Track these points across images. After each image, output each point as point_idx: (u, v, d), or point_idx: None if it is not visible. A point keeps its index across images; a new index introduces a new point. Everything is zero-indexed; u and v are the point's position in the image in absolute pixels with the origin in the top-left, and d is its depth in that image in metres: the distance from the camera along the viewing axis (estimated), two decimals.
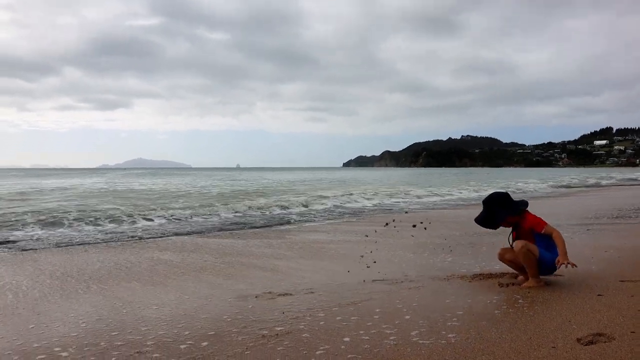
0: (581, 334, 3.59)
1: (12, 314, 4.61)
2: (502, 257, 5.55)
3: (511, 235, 5.42)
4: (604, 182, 43.97)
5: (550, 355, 3.24)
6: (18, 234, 10.61)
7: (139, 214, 13.99)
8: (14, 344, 3.74)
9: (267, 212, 15.44)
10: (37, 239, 9.91)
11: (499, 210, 5.26)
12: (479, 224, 5.46)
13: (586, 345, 3.40)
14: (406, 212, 16.16)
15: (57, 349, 3.61)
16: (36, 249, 8.75)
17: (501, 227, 5.49)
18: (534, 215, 5.24)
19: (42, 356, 3.47)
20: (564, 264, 4.81)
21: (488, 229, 5.58)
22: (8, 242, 9.42)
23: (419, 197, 22.85)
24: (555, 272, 5.26)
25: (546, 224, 5.12)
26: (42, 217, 12.70)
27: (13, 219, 12.54)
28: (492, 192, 5.64)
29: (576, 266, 4.88)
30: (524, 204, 5.32)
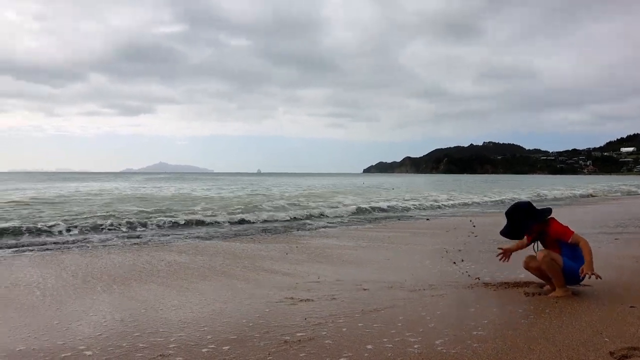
0: (614, 347, 3.46)
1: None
2: (527, 265, 5.42)
3: (536, 244, 5.30)
4: (633, 189, 42.76)
5: None
6: (97, 236, 10.82)
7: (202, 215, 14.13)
8: (41, 339, 3.79)
9: (289, 217, 15.43)
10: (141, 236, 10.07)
11: (524, 219, 5.14)
12: (504, 236, 5.35)
13: (620, 359, 3.27)
14: (427, 219, 15.99)
15: (81, 347, 3.65)
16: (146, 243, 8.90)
17: None
18: (560, 223, 5.10)
19: (67, 354, 3.51)
20: (587, 274, 4.68)
21: (513, 240, 5.47)
22: (134, 236, 9.59)
23: (439, 202, 22.57)
24: (581, 282, 5.11)
25: (573, 232, 4.98)
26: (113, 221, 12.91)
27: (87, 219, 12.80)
28: (514, 203, 5.51)
29: (600, 278, 4.73)
30: (548, 211, 5.19)
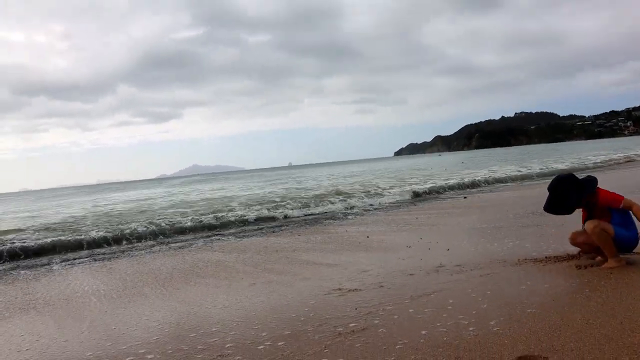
0: None
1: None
2: (574, 241, 5.26)
3: (583, 215, 5.14)
4: None
5: None
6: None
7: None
8: (104, 345, 3.96)
9: (324, 208, 15.46)
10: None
11: (572, 193, 4.94)
12: (550, 212, 5.17)
13: None
14: (465, 198, 15.75)
15: (141, 350, 3.78)
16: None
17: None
18: (607, 190, 4.92)
19: (131, 358, 3.65)
20: None
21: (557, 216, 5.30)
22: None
23: (474, 180, 22.13)
24: (636, 250, 4.94)
25: (623, 198, 4.79)
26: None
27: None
28: (555, 176, 5.30)
29: None
30: (595, 180, 5.00)
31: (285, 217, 13.95)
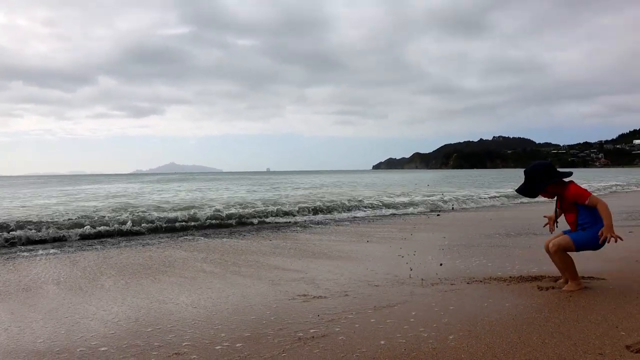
0: (631, 341, 3.42)
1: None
2: (547, 247, 5.29)
3: (555, 206, 5.23)
4: None
5: None
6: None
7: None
8: (58, 334, 3.84)
9: (295, 214, 15.43)
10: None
11: (541, 179, 5.00)
12: (519, 193, 5.19)
13: (637, 352, 3.24)
14: (438, 215, 15.93)
15: (94, 343, 3.69)
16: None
17: (544, 206, 5.26)
18: (578, 186, 4.98)
19: (82, 349, 3.55)
20: (607, 237, 4.59)
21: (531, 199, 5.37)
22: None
23: (446, 200, 22.44)
24: (601, 248, 4.93)
25: (590, 194, 4.83)
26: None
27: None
28: (534, 162, 5.33)
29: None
30: (568, 174, 5.04)
31: (260, 222, 13.88)
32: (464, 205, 19.79)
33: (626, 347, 3.32)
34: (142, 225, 12.13)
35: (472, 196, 23.18)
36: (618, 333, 3.63)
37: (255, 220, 13.90)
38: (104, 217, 13.06)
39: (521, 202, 20.46)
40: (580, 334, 3.66)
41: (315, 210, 16.10)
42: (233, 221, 13.60)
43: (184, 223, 12.92)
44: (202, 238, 10.57)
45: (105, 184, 48.41)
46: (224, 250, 8.67)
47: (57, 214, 14.19)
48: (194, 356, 3.45)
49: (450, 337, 3.66)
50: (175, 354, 3.52)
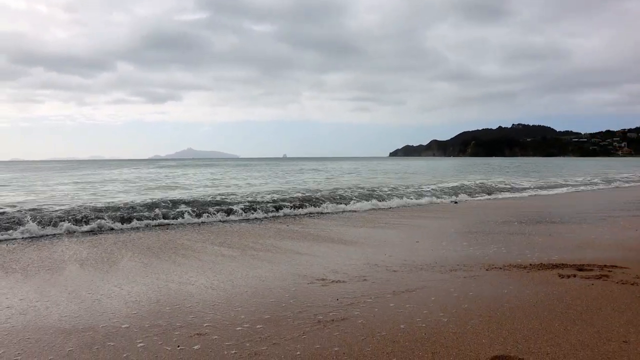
0: None
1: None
2: None
3: None
4: None
5: (622, 350, 3.07)
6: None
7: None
8: (81, 313, 3.93)
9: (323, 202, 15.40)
10: None
11: None
12: None
13: None
14: (455, 203, 15.80)
15: (116, 321, 3.76)
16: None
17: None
18: None
19: (105, 324, 3.62)
20: None
21: None
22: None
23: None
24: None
25: None
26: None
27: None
28: None
29: None
30: None
31: (279, 208, 13.85)
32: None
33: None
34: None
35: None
36: None
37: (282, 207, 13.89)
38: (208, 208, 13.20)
39: (535, 192, 20.12)
40: (604, 321, 3.61)
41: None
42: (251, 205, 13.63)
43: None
44: (220, 224, 10.65)
45: (146, 168, 47.83)
46: (244, 234, 8.73)
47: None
48: (216, 336, 3.50)
49: (471, 322, 3.65)
50: (197, 334, 3.57)
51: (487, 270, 5.49)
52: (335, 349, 3.22)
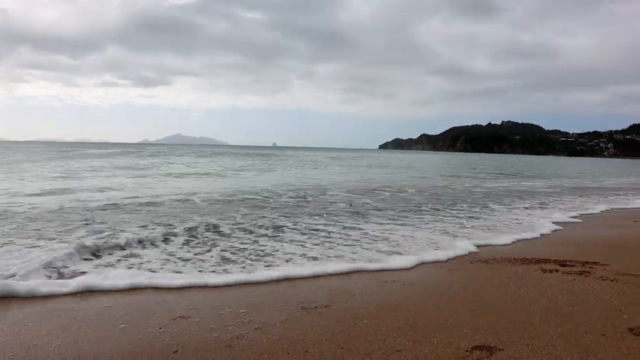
0: (634, 324, 3.44)
1: None
2: None
3: None
4: None
5: (599, 343, 3.12)
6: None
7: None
8: None
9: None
10: None
11: None
12: None
13: (639, 335, 3.25)
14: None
15: None
16: None
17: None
18: None
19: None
20: None
21: None
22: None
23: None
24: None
25: None
26: None
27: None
28: None
29: None
30: None
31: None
32: None
33: (629, 330, 3.33)
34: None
35: None
36: (621, 316, 3.63)
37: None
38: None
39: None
40: (583, 315, 3.67)
41: None
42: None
43: None
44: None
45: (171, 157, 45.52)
46: None
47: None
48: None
49: (453, 313, 3.69)
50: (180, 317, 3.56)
51: (471, 263, 5.55)
52: (318, 334, 3.24)
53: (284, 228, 7.67)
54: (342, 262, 5.42)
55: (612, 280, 4.70)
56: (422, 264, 5.46)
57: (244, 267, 5.14)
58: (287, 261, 5.46)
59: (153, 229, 7.23)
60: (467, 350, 2.99)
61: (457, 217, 9.58)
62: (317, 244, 6.43)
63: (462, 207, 11.29)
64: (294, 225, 7.99)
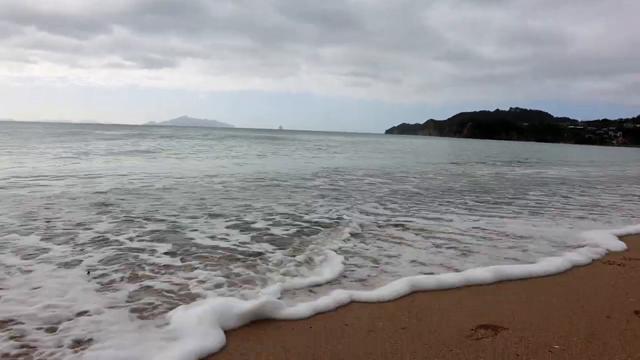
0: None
1: None
2: None
3: None
4: None
5: (603, 324, 3.11)
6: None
7: None
8: None
9: None
10: None
11: None
12: None
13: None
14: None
15: None
16: None
17: None
18: None
19: None
20: None
21: None
22: None
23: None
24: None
25: None
26: None
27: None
28: None
29: None
30: None
31: None
32: None
33: (634, 313, 3.32)
34: None
35: None
36: (627, 299, 3.62)
37: None
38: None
39: None
40: (589, 298, 3.66)
41: None
42: None
43: None
44: None
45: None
46: None
47: None
48: None
49: (458, 294, 3.69)
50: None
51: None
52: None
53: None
54: None
55: (619, 265, 4.68)
56: None
57: None
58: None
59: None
60: (472, 329, 2.99)
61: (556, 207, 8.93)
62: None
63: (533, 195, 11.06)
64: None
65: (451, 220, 7.01)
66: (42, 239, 4.95)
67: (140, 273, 3.96)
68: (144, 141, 35.14)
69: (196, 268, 4.14)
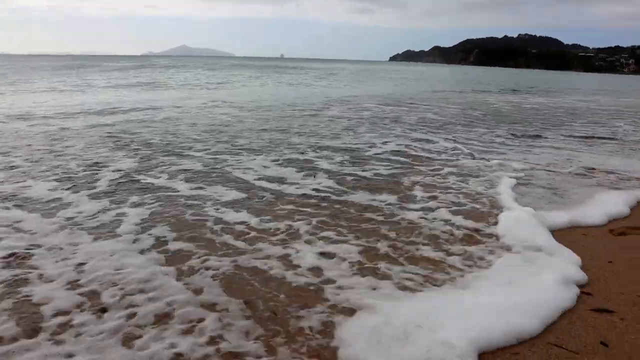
0: (613, 227, 4.69)
1: None
2: None
3: None
4: None
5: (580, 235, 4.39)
6: None
7: None
8: None
9: None
10: None
11: None
12: None
13: (619, 235, 4.44)
14: None
15: None
16: None
17: None
18: None
19: None
20: None
21: None
22: None
23: None
24: None
25: None
26: None
27: None
28: None
29: None
30: None
31: None
32: None
33: (609, 231, 4.57)
34: None
35: None
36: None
37: None
38: None
39: None
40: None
41: None
42: None
43: None
44: None
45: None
46: None
47: None
48: None
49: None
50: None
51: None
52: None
53: None
54: None
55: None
56: None
57: None
58: None
59: None
60: None
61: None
62: None
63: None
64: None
65: None
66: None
67: None
68: (168, 71, 34.70)
69: None
